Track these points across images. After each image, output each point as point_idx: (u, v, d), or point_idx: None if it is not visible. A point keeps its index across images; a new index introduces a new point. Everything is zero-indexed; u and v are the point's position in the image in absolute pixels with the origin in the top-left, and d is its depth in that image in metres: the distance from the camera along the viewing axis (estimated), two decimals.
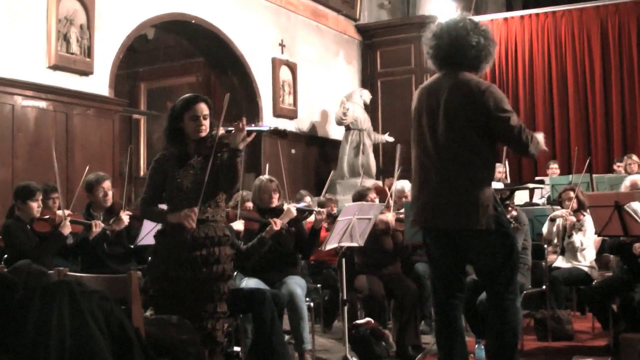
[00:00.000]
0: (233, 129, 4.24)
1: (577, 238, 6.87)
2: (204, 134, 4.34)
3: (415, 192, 4.41)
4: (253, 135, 4.28)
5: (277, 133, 4.62)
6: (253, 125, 4.37)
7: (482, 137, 4.16)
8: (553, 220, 6.92)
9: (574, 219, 6.89)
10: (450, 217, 4.18)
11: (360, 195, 6.63)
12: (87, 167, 7.00)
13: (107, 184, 6.09)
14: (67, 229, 5.77)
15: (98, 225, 5.84)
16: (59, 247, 5.84)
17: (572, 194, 7.05)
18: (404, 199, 7.34)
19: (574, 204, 6.98)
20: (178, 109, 4.36)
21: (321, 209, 6.11)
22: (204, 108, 4.34)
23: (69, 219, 5.80)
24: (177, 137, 4.37)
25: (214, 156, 4.26)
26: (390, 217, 6.37)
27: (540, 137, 4.33)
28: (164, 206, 4.48)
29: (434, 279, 4.50)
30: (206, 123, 4.34)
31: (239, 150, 4.21)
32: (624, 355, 5.01)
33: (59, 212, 5.89)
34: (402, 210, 6.52)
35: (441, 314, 4.44)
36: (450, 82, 4.23)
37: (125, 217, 5.93)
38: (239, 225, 5.81)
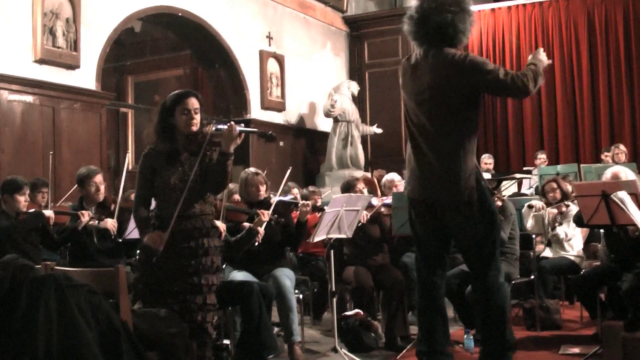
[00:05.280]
0: (223, 126, 4.24)
1: (560, 230, 6.90)
2: (195, 129, 4.33)
3: (410, 169, 4.47)
4: (242, 136, 4.29)
5: (264, 136, 4.59)
6: (242, 125, 4.37)
7: (467, 109, 4.26)
8: (531, 207, 6.95)
9: (555, 211, 6.92)
10: (434, 189, 4.25)
11: (348, 185, 6.64)
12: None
13: (98, 178, 6.07)
14: (50, 215, 5.76)
15: (86, 215, 5.83)
16: (36, 226, 5.80)
17: (555, 185, 7.07)
18: (394, 189, 7.35)
19: (557, 194, 7.00)
20: (169, 103, 4.36)
21: (306, 202, 6.10)
22: (194, 102, 4.34)
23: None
24: (168, 133, 4.37)
25: (203, 154, 4.27)
26: None
27: (539, 53, 4.47)
28: None
29: (418, 257, 4.53)
30: (197, 117, 4.34)
31: (230, 154, 4.23)
32: (607, 342, 5.03)
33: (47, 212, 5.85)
34: (389, 201, 6.51)
35: (424, 292, 4.47)
36: (432, 59, 4.29)
37: (112, 225, 5.90)
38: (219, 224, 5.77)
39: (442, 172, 4.23)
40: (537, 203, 7.03)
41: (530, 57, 4.54)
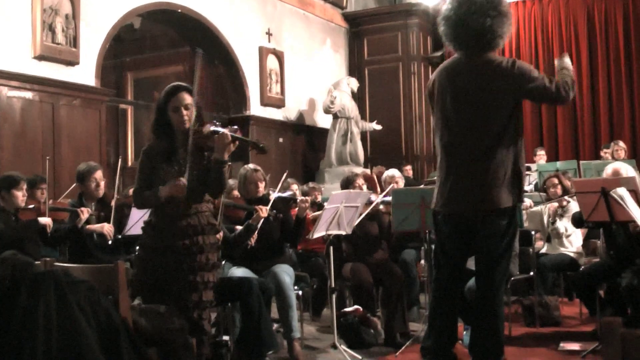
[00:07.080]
0: (220, 129, 4.21)
1: (561, 224, 6.93)
2: (188, 125, 4.29)
3: (443, 177, 4.38)
4: (237, 143, 4.25)
5: (256, 147, 4.54)
6: (237, 131, 4.31)
7: (512, 115, 4.22)
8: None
9: (556, 204, 6.97)
10: (479, 198, 4.20)
11: (348, 181, 6.63)
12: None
13: (98, 174, 6.06)
14: (46, 222, 5.75)
15: (85, 212, 5.81)
16: (32, 232, 5.79)
17: (556, 181, 7.13)
18: (394, 186, 7.34)
19: (559, 190, 7.05)
20: (161, 101, 4.33)
21: (304, 197, 6.10)
22: (185, 97, 4.30)
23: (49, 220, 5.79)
24: (165, 130, 4.34)
25: (202, 155, 4.25)
26: None
27: (567, 57, 4.43)
28: None
29: (442, 263, 4.46)
30: (189, 113, 4.29)
31: (224, 161, 4.21)
32: (606, 339, 5.03)
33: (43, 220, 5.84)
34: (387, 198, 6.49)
35: (441, 295, 4.44)
36: (474, 65, 4.25)
37: (108, 230, 5.88)
38: None
39: (491, 180, 4.17)
40: (526, 201, 7.07)
41: (557, 62, 4.48)
